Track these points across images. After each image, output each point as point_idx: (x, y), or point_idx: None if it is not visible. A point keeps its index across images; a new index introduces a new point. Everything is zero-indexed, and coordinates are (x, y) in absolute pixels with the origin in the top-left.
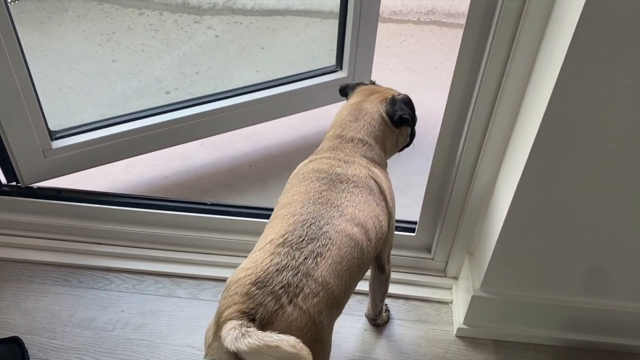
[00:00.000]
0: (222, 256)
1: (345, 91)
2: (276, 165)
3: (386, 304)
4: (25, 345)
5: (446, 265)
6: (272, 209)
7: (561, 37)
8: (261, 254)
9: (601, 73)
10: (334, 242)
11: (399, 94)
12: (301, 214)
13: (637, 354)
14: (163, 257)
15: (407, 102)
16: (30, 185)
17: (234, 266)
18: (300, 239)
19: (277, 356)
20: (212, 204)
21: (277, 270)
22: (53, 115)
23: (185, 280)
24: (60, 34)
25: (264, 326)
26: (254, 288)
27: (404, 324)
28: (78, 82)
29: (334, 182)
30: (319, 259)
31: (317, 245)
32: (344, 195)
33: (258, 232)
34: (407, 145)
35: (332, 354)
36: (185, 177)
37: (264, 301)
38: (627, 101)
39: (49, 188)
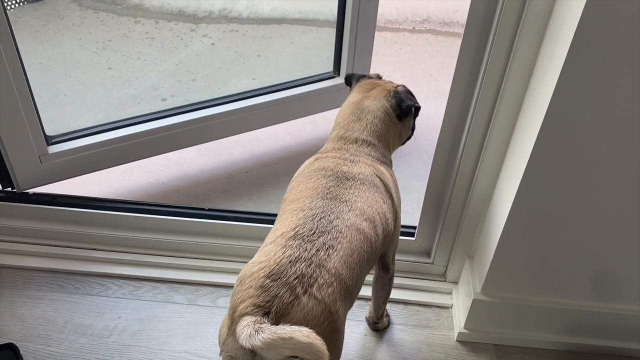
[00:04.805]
0: (220, 262)
1: (350, 80)
2: (274, 172)
3: (386, 309)
4: (21, 352)
5: (446, 269)
6: (270, 214)
7: (561, 38)
8: (273, 247)
9: (601, 76)
10: (345, 235)
11: (398, 86)
12: (310, 209)
13: (638, 358)
14: (160, 263)
15: (410, 93)
16: (26, 191)
17: (231, 271)
18: (312, 232)
19: (292, 347)
20: (209, 209)
21: (290, 262)
22: (49, 122)
23: (182, 286)
24: (56, 41)
25: (280, 318)
26: (268, 281)
27: (404, 329)
28: (74, 89)
29: (340, 179)
30: (330, 251)
31: (328, 238)
32: (351, 192)
33: (256, 237)
34: (409, 137)
35: None
36: (182, 183)
37: (279, 293)
38: (628, 102)
39: (44, 194)
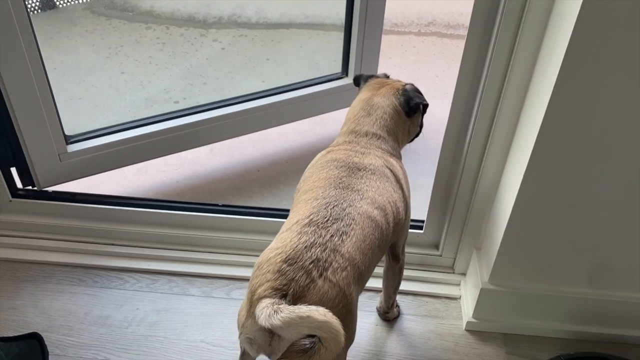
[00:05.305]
0: (234, 255)
1: (358, 81)
2: (284, 170)
3: (396, 300)
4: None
5: (454, 261)
6: (282, 210)
7: (560, 35)
8: (289, 234)
9: (599, 72)
10: (357, 222)
11: (406, 84)
12: (324, 198)
13: None
14: (176, 257)
15: (418, 90)
16: (46, 189)
17: (245, 265)
18: (325, 219)
19: (309, 326)
20: (223, 205)
21: (305, 247)
22: (65, 125)
23: (198, 279)
24: (70, 47)
25: (296, 300)
26: (285, 265)
27: (414, 319)
28: (88, 93)
29: (352, 169)
30: (344, 237)
31: (341, 225)
32: (363, 181)
33: (269, 232)
34: (417, 135)
35: None
36: (195, 181)
37: (295, 276)
38: (627, 96)
39: (63, 192)
